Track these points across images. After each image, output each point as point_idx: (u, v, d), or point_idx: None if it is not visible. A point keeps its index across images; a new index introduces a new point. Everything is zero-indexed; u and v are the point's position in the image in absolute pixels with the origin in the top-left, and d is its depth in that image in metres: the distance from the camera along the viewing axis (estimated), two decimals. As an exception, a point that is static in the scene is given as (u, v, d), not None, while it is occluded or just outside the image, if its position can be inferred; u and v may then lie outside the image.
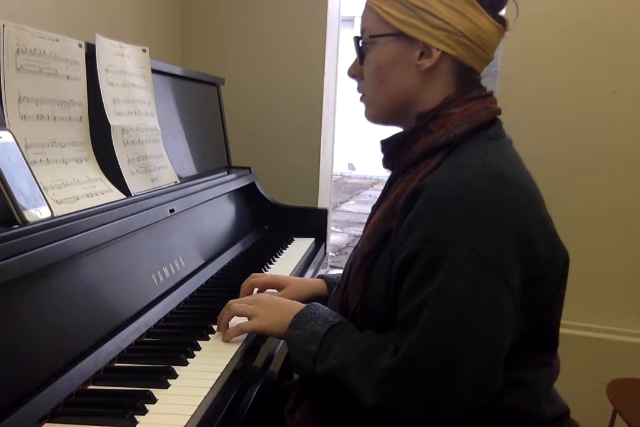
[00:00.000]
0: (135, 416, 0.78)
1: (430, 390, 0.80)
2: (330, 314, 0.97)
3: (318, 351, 0.90)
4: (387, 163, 1.02)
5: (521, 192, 0.86)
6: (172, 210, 1.28)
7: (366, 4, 0.97)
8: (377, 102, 0.99)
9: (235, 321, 1.05)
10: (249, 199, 1.87)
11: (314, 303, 1.00)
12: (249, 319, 1.03)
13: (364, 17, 0.98)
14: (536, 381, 0.89)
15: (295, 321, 0.96)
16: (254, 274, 1.24)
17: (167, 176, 1.39)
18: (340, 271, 1.25)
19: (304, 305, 1.00)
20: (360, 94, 1.02)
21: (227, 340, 1.04)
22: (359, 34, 0.99)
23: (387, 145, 0.99)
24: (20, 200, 0.88)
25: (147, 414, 0.80)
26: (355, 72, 1.01)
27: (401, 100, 0.97)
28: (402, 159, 0.96)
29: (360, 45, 0.98)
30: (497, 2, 0.94)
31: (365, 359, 0.86)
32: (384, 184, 1.07)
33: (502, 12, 0.97)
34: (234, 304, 1.06)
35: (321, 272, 1.75)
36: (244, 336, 1.06)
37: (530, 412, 0.88)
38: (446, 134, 0.91)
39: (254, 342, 1.08)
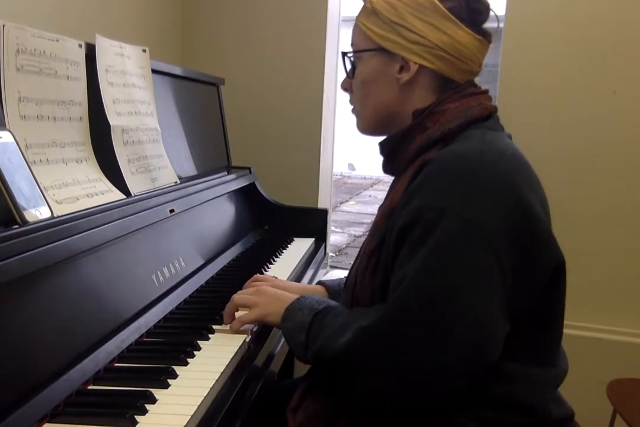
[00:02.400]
0: (135, 416, 0.78)
1: (405, 351, 0.81)
2: (317, 302, 0.98)
3: (307, 340, 0.93)
4: (386, 167, 1.04)
5: (521, 171, 0.88)
6: (172, 211, 1.28)
7: (355, 22, 1.02)
8: (364, 115, 1.04)
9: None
10: (249, 199, 1.87)
11: (305, 295, 1.02)
12: (250, 309, 1.06)
13: (352, 34, 1.03)
14: (543, 378, 0.90)
15: (286, 314, 0.98)
16: (256, 276, 1.24)
17: (167, 176, 1.39)
18: (341, 272, 1.24)
19: (297, 297, 1.02)
20: (351, 107, 1.06)
21: (234, 332, 1.07)
22: (346, 50, 1.04)
23: (385, 147, 1.02)
24: (20, 200, 0.88)
25: (147, 414, 0.80)
26: (346, 85, 1.06)
27: (386, 112, 1.01)
28: (401, 159, 0.98)
29: (351, 59, 1.03)
30: (477, 16, 0.96)
31: (345, 326, 0.88)
32: (384, 184, 1.08)
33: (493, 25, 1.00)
34: (236, 295, 1.09)
35: (321, 272, 1.75)
36: (250, 325, 1.09)
37: (537, 409, 0.88)
38: (441, 128, 0.93)
39: (254, 341, 1.08)
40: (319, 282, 1.25)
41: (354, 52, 1.02)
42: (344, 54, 1.04)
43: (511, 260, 0.81)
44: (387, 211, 0.94)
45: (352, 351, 0.84)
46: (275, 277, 1.27)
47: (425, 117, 0.95)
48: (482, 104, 0.96)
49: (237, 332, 1.07)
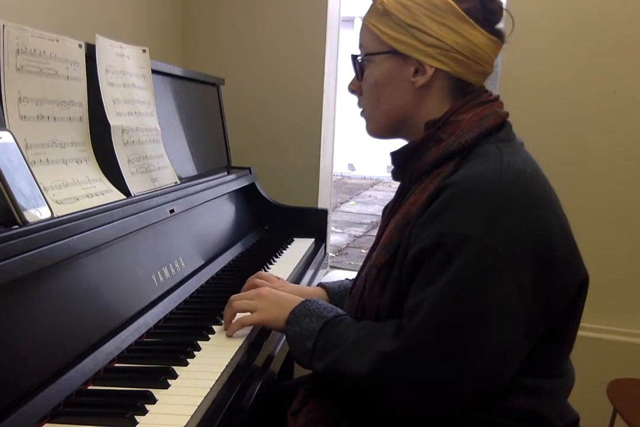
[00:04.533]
0: (135, 416, 0.78)
1: (428, 377, 0.81)
2: (324, 308, 0.97)
3: (314, 347, 0.91)
4: (397, 175, 1.03)
5: (541, 190, 0.87)
6: (172, 211, 1.28)
7: (363, 22, 0.99)
8: (375, 118, 1.01)
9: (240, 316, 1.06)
10: (249, 199, 1.87)
11: (309, 298, 1.01)
12: (250, 313, 1.04)
13: (361, 35, 1.00)
14: (555, 389, 0.90)
15: (291, 318, 0.97)
16: (259, 273, 1.22)
17: (167, 176, 1.39)
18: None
19: (302, 300, 1.01)
20: (360, 110, 1.04)
21: (230, 335, 1.05)
22: (355, 52, 1.01)
23: (398, 157, 1.00)
24: (20, 200, 0.88)
25: (147, 414, 0.80)
26: (354, 88, 1.03)
27: (399, 116, 0.99)
28: (414, 170, 0.96)
29: (359, 61, 1.00)
30: (491, 17, 0.95)
31: (362, 345, 0.87)
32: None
33: (500, 25, 0.98)
34: (235, 301, 1.06)
35: (321, 272, 1.75)
36: (248, 330, 1.07)
37: (546, 419, 0.88)
38: (457, 140, 0.91)
39: (254, 342, 1.08)
40: (320, 285, 1.23)
41: (366, 55, 0.98)
42: (354, 57, 1.01)
43: (534, 285, 0.81)
44: (401, 224, 0.92)
45: (376, 379, 0.84)
46: (279, 278, 1.24)
47: (438, 128, 0.93)
48: (496, 112, 0.94)
49: (233, 337, 1.05)
